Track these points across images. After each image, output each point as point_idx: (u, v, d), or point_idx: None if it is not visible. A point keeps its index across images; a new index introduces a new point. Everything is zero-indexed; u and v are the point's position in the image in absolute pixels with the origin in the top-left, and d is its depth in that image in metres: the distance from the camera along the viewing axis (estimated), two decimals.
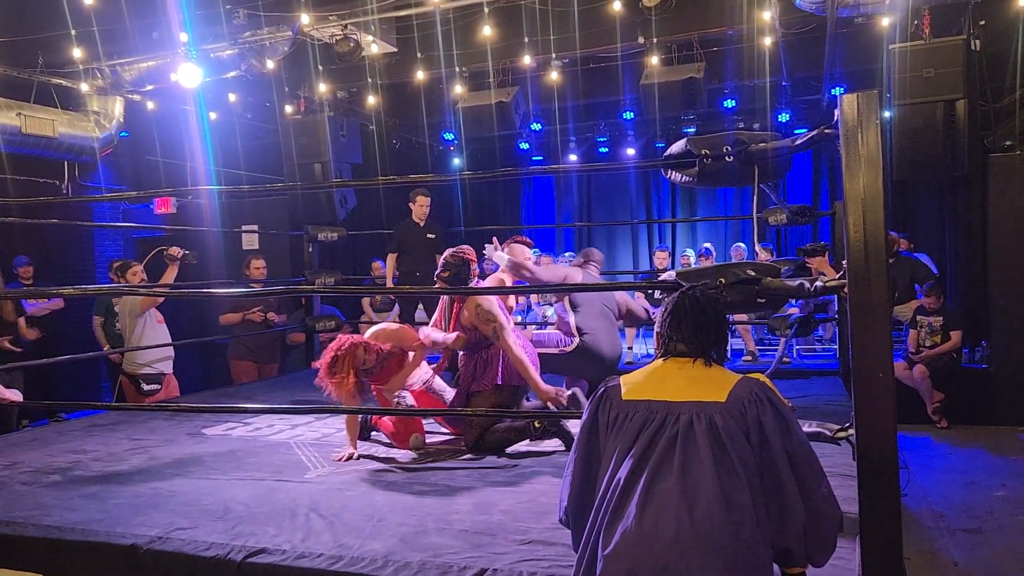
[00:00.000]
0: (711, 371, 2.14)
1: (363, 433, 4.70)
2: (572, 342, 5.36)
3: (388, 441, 4.57)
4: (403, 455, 4.34)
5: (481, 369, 4.51)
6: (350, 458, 4.18)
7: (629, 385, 2.17)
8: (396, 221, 7.92)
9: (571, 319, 5.34)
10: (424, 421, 4.71)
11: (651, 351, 8.78)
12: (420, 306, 7.46)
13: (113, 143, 8.69)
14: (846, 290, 2.45)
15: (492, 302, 4.41)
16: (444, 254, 4.67)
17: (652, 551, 1.91)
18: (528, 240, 5.60)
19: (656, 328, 2.27)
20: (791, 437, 2.02)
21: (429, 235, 7.26)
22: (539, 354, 4.79)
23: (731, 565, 1.89)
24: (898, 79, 6.53)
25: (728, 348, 8.35)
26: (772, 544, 1.99)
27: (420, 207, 7.24)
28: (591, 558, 2.04)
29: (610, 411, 2.14)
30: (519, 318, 8.52)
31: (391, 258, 7.28)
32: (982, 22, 6.80)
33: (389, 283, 7.43)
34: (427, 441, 4.51)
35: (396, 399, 4.61)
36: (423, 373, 4.80)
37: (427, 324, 4.74)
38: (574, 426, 4.60)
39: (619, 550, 1.95)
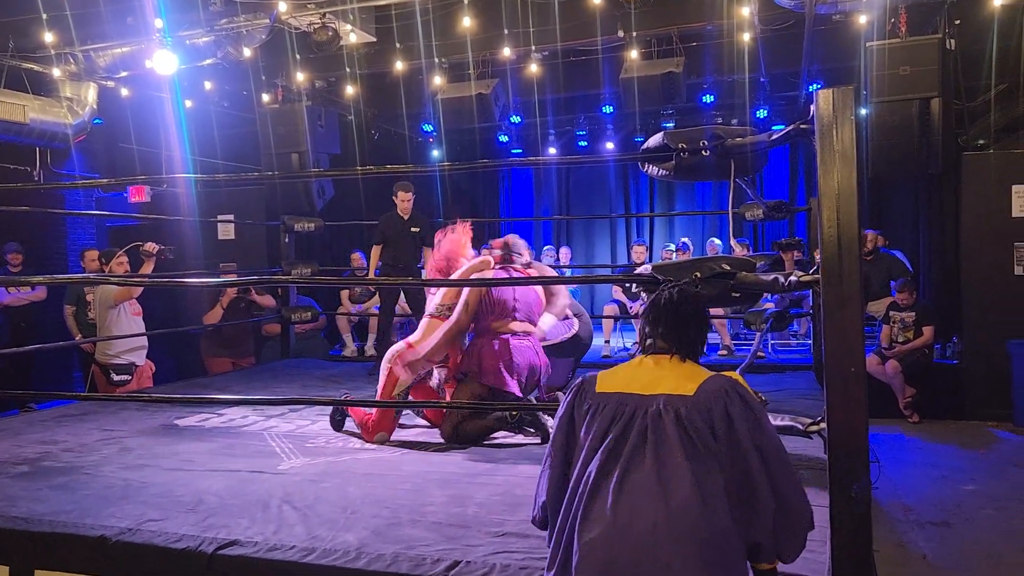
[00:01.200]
0: (685, 366, 2.16)
1: (341, 421, 4.68)
2: (573, 325, 5.42)
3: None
4: (375, 446, 4.32)
5: (471, 358, 4.55)
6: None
7: (604, 379, 2.19)
8: (374, 212, 7.87)
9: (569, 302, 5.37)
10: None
11: (627, 344, 8.82)
12: (402, 297, 7.47)
13: (86, 130, 8.56)
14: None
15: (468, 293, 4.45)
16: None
17: (628, 541, 1.92)
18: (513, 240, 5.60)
19: (639, 325, 2.28)
20: (760, 432, 2.03)
21: (413, 228, 7.25)
22: (554, 344, 4.81)
23: (707, 555, 1.90)
24: (875, 77, 6.59)
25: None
26: (743, 538, 2.00)
27: (403, 202, 7.23)
28: (566, 549, 2.04)
29: (585, 405, 2.15)
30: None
31: (375, 250, 7.26)
32: (957, 22, 6.87)
33: (371, 274, 7.39)
34: (403, 432, 4.52)
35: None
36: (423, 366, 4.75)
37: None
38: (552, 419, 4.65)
39: (595, 541, 1.95)
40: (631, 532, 1.93)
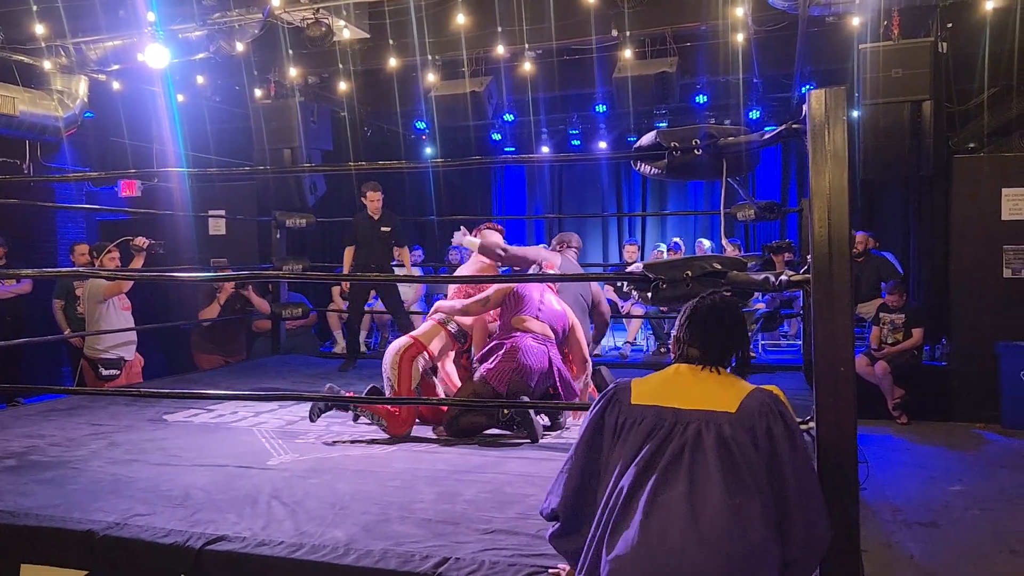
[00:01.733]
0: (723, 379, 2.13)
1: (319, 412, 4.67)
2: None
3: (357, 432, 4.53)
4: (365, 442, 4.31)
5: (490, 355, 4.60)
6: None
7: (639, 389, 2.14)
8: (363, 208, 7.86)
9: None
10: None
11: (619, 344, 8.82)
12: (373, 295, 7.49)
13: (77, 123, 8.50)
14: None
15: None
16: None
17: (657, 561, 1.90)
18: (499, 227, 5.59)
19: (673, 332, 2.25)
20: (797, 450, 2.02)
21: (384, 228, 7.26)
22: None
23: (739, 570, 1.89)
24: (867, 79, 6.60)
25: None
26: (777, 557, 1.99)
27: (371, 202, 7.25)
28: (592, 566, 2.02)
29: (618, 415, 2.12)
30: None
31: (348, 251, 7.27)
32: (950, 25, 6.89)
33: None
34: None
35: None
36: (426, 363, 4.75)
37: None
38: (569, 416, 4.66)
39: (623, 559, 1.93)
40: (661, 551, 1.90)
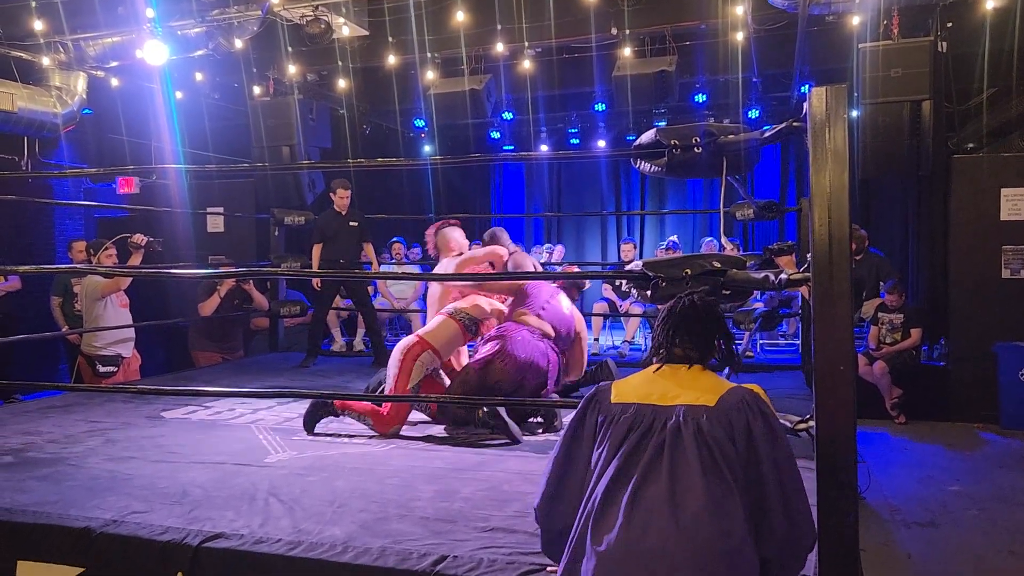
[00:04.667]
0: (704, 376, 2.13)
1: (315, 422, 4.56)
2: None
3: (355, 429, 4.51)
4: (363, 440, 4.30)
5: (483, 344, 4.66)
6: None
7: (620, 388, 2.16)
8: (365, 206, 7.85)
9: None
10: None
11: (617, 343, 8.82)
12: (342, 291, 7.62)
13: (76, 120, 8.50)
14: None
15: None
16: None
17: (639, 559, 1.90)
18: (457, 222, 5.59)
19: (653, 333, 2.26)
20: (779, 448, 2.01)
21: (352, 223, 7.29)
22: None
23: (719, 570, 1.88)
24: (866, 78, 6.60)
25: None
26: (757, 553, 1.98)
27: (340, 199, 7.28)
28: (572, 563, 2.02)
29: (598, 415, 2.12)
30: None
31: (316, 248, 7.25)
32: (949, 24, 6.90)
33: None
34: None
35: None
36: (431, 361, 4.72)
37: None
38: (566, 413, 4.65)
39: (605, 556, 1.93)
40: (643, 547, 1.90)
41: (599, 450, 2.08)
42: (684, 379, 2.12)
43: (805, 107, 2.51)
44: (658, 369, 2.17)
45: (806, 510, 2.03)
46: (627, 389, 2.14)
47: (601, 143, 11.77)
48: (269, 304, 7.79)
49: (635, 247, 9.89)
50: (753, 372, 6.59)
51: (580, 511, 2.05)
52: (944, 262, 7.63)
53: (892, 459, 6.12)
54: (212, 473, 3.60)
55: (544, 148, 11.95)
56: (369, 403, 4.50)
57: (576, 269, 8.78)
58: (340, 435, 4.46)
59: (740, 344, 7.19)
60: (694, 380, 2.11)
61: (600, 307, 8.79)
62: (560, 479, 2.14)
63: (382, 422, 4.40)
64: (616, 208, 13.03)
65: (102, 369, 6.30)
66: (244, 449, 4.07)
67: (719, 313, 2.25)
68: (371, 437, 4.37)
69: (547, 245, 11.40)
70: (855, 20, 6.84)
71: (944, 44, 6.83)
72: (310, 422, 4.50)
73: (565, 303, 4.92)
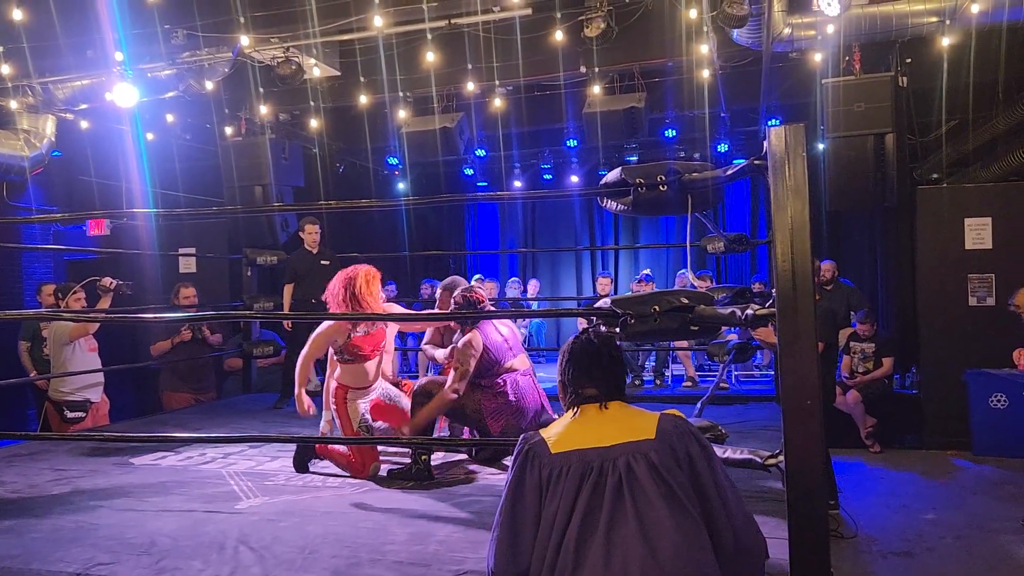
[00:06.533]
0: (629, 410, 2.15)
1: (305, 462, 4.55)
2: None
3: (332, 469, 4.47)
4: (337, 482, 4.25)
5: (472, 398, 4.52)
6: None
7: (554, 438, 2.11)
8: (338, 245, 7.82)
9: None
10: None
11: None
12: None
13: (44, 162, 8.42)
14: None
15: (472, 348, 4.40)
16: (455, 295, 4.60)
17: None
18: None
19: (558, 378, 2.24)
20: (715, 468, 2.06)
21: (323, 262, 7.25)
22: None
23: None
24: (831, 112, 6.75)
25: (669, 374, 8.44)
26: None
27: (310, 235, 7.28)
28: None
29: (540, 468, 2.06)
30: None
31: (287, 289, 7.20)
32: (909, 60, 7.08)
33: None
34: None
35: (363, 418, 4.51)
36: (381, 384, 4.69)
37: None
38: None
39: None
40: None
41: (552, 505, 2.02)
42: (614, 417, 2.12)
43: (765, 145, 2.56)
44: (577, 412, 2.16)
45: (749, 521, 2.07)
46: (563, 438, 2.10)
47: (574, 178, 11.88)
48: (226, 342, 7.71)
49: (611, 281, 9.93)
50: (728, 404, 6.60)
51: (544, 570, 2.00)
52: (912, 291, 7.75)
53: (867, 488, 6.15)
54: (181, 521, 3.53)
55: (518, 184, 12.03)
56: (338, 454, 4.44)
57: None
58: (316, 475, 4.41)
59: (715, 376, 7.22)
60: (623, 416, 2.12)
61: None
62: (511, 543, 2.05)
63: (355, 468, 4.37)
64: (591, 242, 13.11)
65: (70, 415, 6.18)
66: (214, 495, 4.00)
67: (614, 347, 2.24)
68: (345, 478, 4.32)
69: (513, 279, 11.40)
70: (817, 57, 7.00)
71: (904, 79, 7.00)
72: (300, 464, 4.49)
73: (504, 326, 4.86)
